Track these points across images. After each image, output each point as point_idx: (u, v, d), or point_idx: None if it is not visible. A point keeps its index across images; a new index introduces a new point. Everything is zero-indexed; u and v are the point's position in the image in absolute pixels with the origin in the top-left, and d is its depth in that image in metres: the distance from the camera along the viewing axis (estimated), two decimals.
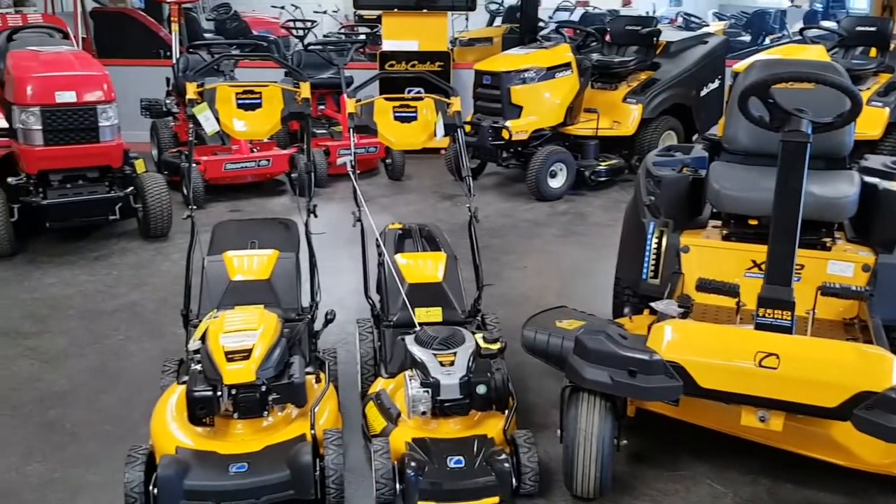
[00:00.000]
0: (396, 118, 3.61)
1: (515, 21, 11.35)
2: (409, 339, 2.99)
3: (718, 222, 3.45)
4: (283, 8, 14.20)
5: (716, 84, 7.73)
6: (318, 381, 3.11)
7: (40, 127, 5.09)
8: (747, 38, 14.14)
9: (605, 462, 2.68)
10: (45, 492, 2.87)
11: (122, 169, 5.49)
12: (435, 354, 2.87)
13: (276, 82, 3.65)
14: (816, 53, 5.32)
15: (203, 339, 2.90)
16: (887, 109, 6.39)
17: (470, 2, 8.63)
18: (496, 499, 2.65)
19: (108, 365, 3.84)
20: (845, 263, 3.12)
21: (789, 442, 2.85)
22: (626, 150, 7.26)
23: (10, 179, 5.25)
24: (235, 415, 2.75)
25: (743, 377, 2.56)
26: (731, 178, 3.27)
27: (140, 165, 5.67)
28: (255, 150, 6.82)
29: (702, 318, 3.08)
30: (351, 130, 3.60)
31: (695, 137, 7.51)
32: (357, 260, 3.60)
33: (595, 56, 7.45)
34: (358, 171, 3.54)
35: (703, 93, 7.61)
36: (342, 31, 13.88)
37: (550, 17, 13.81)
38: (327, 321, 3.38)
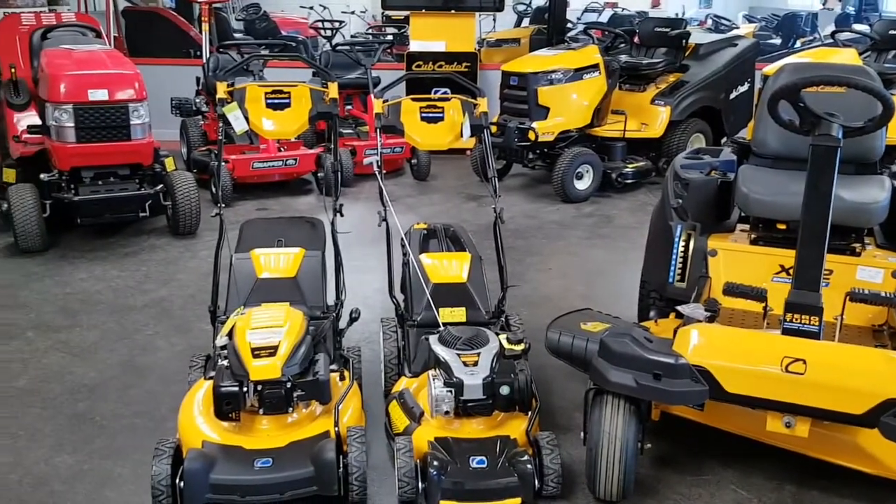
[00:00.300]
0: (423, 118, 3.63)
1: (543, 22, 11.32)
2: (433, 339, 3.00)
3: (746, 226, 3.42)
4: (311, 8, 14.32)
5: (745, 87, 7.66)
6: (342, 378, 3.13)
7: (73, 124, 5.16)
8: (778, 40, 13.99)
9: (628, 465, 2.67)
10: (73, 483, 2.92)
11: (152, 167, 5.56)
12: (458, 354, 2.88)
13: (304, 82, 3.68)
14: (848, 57, 5.25)
15: (230, 335, 2.93)
16: None
17: (498, 3, 8.63)
18: (518, 500, 2.65)
19: (136, 359, 3.89)
20: (875, 269, 3.08)
21: (815, 448, 2.82)
22: (654, 153, 7.22)
23: (42, 176, 5.33)
24: (261, 410, 2.79)
25: (769, 382, 2.54)
26: (760, 182, 3.24)
27: (170, 163, 5.75)
28: (282, 149, 6.88)
29: (728, 322, 3.06)
30: (378, 130, 3.62)
31: (723, 140, 7.45)
32: (382, 259, 3.62)
33: (623, 58, 7.42)
34: (384, 171, 3.56)
35: (732, 96, 7.55)
36: (370, 31, 13.95)
37: (578, 19, 13.78)
38: (352, 320, 3.40)
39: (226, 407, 2.74)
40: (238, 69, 6.19)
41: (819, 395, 2.49)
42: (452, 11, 8.39)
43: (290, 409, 2.81)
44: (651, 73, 7.35)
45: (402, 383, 3.20)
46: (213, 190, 6.35)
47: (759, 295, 2.91)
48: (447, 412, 2.83)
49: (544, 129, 6.65)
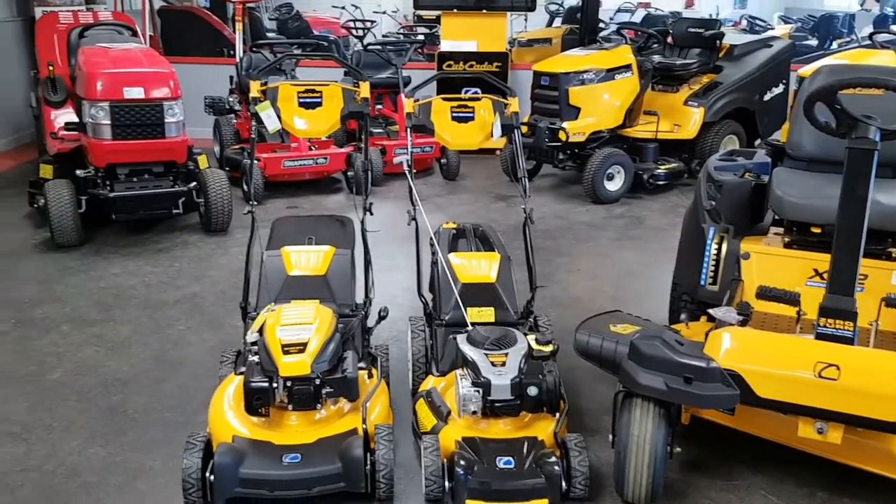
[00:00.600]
0: (454, 118, 3.63)
1: (575, 22, 11.27)
2: (461, 339, 3.00)
3: (780, 229, 3.38)
4: (343, 8, 14.38)
5: (780, 88, 7.56)
6: (370, 376, 3.15)
7: (109, 122, 5.23)
8: (814, 42, 13.77)
9: (657, 469, 2.65)
10: (105, 474, 2.97)
11: (185, 164, 5.63)
12: (486, 354, 2.87)
13: (335, 81, 3.70)
14: (886, 59, 5.15)
15: (260, 331, 2.96)
16: None
17: (530, 2, 8.60)
18: (545, 501, 2.64)
19: (168, 354, 3.95)
20: None
21: (848, 455, 2.78)
22: (686, 154, 7.15)
23: (78, 172, 5.41)
24: (290, 406, 2.81)
25: (802, 388, 2.51)
26: (795, 185, 3.20)
27: (203, 161, 5.81)
28: (313, 148, 6.93)
29: (761, 326, 3.02)
30: (408, 130, 3.63)
31: (757, 142, 7.36)
32: (411, 258, 3.63)
33: (656, 58, 7.36)
34: (414, 171, 3.57)
35: (766, 97, 7.45)
36: (401, 31, 13.99)
37: (611, 19, 13.69)
38: (380, 318, 3.42)
39: (255, 402, 2.77)
40: (271, 68, 6.24)
41: (853, 402, 2.45)
42: (484, 11, 8.38)
43: (319, 405, 2.84)
44: (684, 74, 7.28)
45: (430, 382, 3.20)
46: (245, 188, 6.42)
47: (792, 299, 2.87)
48: (474, 412, 2.83)
49: (575, 130, 6.62)
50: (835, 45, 13.08)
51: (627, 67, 6.83)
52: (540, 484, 2.64)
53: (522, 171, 3.64)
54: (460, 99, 3.66)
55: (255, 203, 3.50)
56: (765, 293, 2.93)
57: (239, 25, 7.97)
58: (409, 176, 3.53)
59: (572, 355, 3.38)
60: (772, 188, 3.23)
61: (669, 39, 7.74)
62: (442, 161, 7.56)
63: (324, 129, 3.66)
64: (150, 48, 6.27)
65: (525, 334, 3.02)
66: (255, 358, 2.87)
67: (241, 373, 2.93)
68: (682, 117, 7.06)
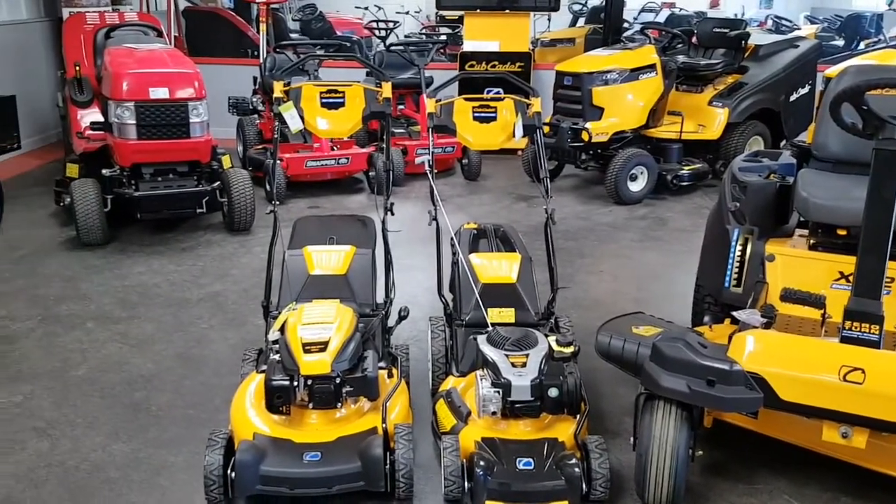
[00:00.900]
0: (476, 118, 3.63)
1: (599, 22, 11.22)
2: (482, 339, 2.99)
3: (805, 231, 3.34)
4: (366, 9, 14.43)
5: (806, 89, 7.47)
6: (390, 376, 3.15)
7: (134, 122, 5.28)
8: (841, 42, 13.61)
9: (678, 472, 2.63)
10: (128, 470, 3.00)
11: (209, 164, 5.67)
12: (507, 355, 2.86)
13: (358, 82, 3.71)
14: None
15: (282, 330, 2.98)
16: None
17: (553, 2, 8.58)
18: (565, 503, 2.62)
19: (191, 351, 3.98)
20: None
21: (872, 460, 2.74)
22: (711, 155, 7.10)
23: (104, 171, 5.46)
24: (310, 405, 2.82)
25: (826, 391, 2.48)
26: (821, 187, 3.16)
27: (227, 161, 5.86)
28: (335, 148, 6.95)
29: (785, 329, 2.99)
30: (430, 130, 3.63)
31: (782, 143, 7.29)
32: (431, 258, 3.63)
33: (681, 58, 7.31)
34: (435, 171, 3.57)
35: (792, 98, 7.37)
36: (423, 31, 14.00)
37: (635, 19, 13.62)
38: (401, 318, 3.42)
39: (276, 400, 2.79)
40: (294, 69, 6.28)
41: (878, 406, 2.42)
42: (507, 11, 8.37)
43: (339, 404, 2.84)
44: (709, 74, 7.22)
45: (450, 382, 3.20)
46: (268, 187, 6.46)
47: (817, 302, 2.84)
48: (494, 413, 2.82)
49: (598, 130, 6.59)
50: (862, 46, 12.92)
51: (651, 67, 6.79)
52: (560, 486, 2.62)
53: (544, 172, 3.63)
54: (482, 99, 3.65)
55: (278, 203, 3.52)
56: (789, 295, 2.89)
57: (263, 26, 8.03)
58: (430, 176, 3.54)
59: (593, 357, 3.36)
60: (797, 189, 3.20)
61: (694, 39, 7.69)
62: (463, 161, 7.56)
63: (346, 129, 3.68)
64: (175, 49, 6.33)
65: (546, 335, 3.01)
66: (277, 356, 2.89)
67: (263, 371, 2.95)
68: (706, 118, 7.01)
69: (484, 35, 8.42)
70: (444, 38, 10.61)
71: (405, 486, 2.71)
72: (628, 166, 6.58)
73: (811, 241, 3.24)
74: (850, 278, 2.77)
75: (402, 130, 7.59)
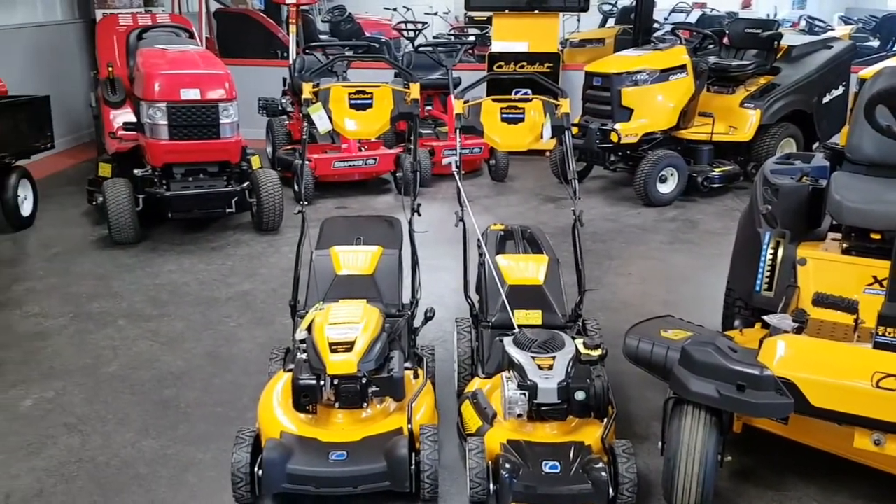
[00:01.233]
0: (504, 119, 3.62)
1: (629, 22, 11.14)
2: (508, 341, 2.98)
3: (838, 235, 3.29)
4: (395, 10, 14.47)
5: (840, 91, 7.36)
6: (415, 376, 3.15)
7: (166, 122, 5.34)
8: (876, 43, 13.36)
9: (707, 477, 2.60)
10: (157, 467, 3.04)
11: (239, 164, 5.72)
12: (533, 357, 2.85)
13: (386, 83, 3.72)
14: None
15: (309, 329, 2.99)
16: None
17: (583, 3, 8.54)
18: None
19: (220, 350, 4.02)
20: None
21: None
22: (742, 157, 7.04)
23: (136, 171, 5.54)
24: (337, 404, 2.84)
25: (858, 398, 2.44)
26: (854, 190, 3.11)
27: (256, 161, 5.91)
28: (362, 148, 6.98)
29: (817, 334, 2.94)
30: (457, 131, 3.62)
31: (815, 146, 7.18)
32: (458, 259, 3.63)
33: (712, 59, 7.24)
34: (462, 172, 3.57)
35: (825, 99, 7.27)
36: (452, 32, 14.01)
37: (665, 19, 13.50)
38: (427, 318, 3.42)
39: (303, 399, 2.80)
40: (323, 70, 6.31)
41: None
42: (536, 12, 8.35)
43: (365, 404, 2.85)
44: (741, 75, 7.15)
45: (476, 384, 3.20)
46: (296, 188, 6.50)
47: (850, 306, 2.79)
48: (520, 415, 2.81)
49: (627, 131, 6.55)
50: None
51: (682, 68, 6.73)
52: (586, 489, 2.61)
53: (573, 173, 3.61)
54: (510, 100, 3.64)
55: (306, 203, 3.54)
56: (822, 300, 2.85)
57: (293, 28, 8.09)
58: (457, 177, 3.53)
59: (621, 360, 3.34)
60: (830, 193, 3.15)
61: (726, 40, 7.61)
62: (490, 162, 7.55)
63: (373, 130, 3.69)
64: (206, 50, 6.40)
65: (573, 338, 2.99)
66: (304, 356, 2.91)
67: (290, 370, 2.97)
68: (737, 119, 6.94)
69: (512, 36, 8.41)
70: (472, 38, 10.58)
71: (430, 487, 2.71)
72: (658, 167, 6.52)
73: (844, 245, 3.19)
74: (884, 283, 2.71)
75: (429, 131, 7.60)
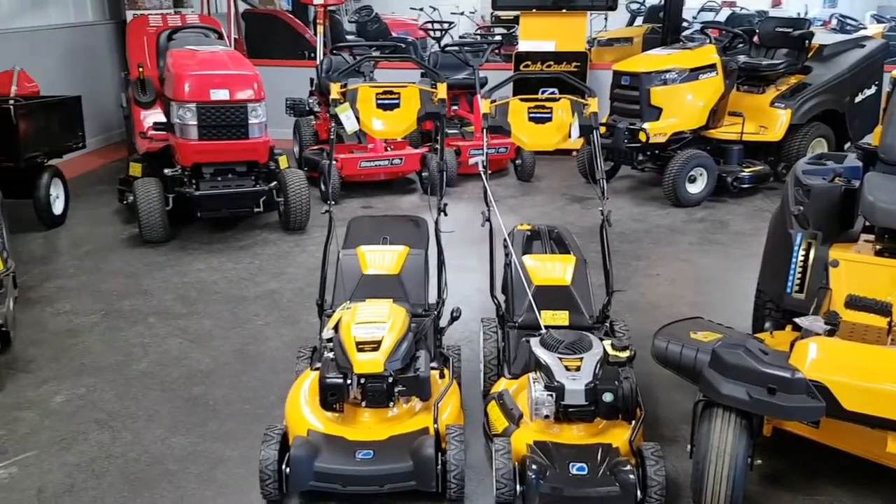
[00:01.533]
0: (531, 119, 3.61)
1: (657, 21, 11.06)
2: (535, 342, 2.97)
3: (871, 236, 3.24)
4: (421, 10, 14.49)
5: (872, 90, 7.25)
6: (441, 376, 3.15)
7: (196, 122, 5.39)
8: None
9: (736, 481, 2.57)
10: (186, 463, 3.07)
11: (267, 164, 5.75)
12: (560, 358, 2.84)
13: (413, 83, 3.72)
14: None
15: (336, 328, 3.01)
16: None
17: (610, 1, 8.50)
18: None
19: (248, 347, 4.05)
20: None
21: None
22: (772, 157, 6.95)
23: (166, 171, 5.59)
24: (363, 403, 2.84)
25: (892, 401, 2.40)
26: (887, 190, 3.06)
27: (283, 161, 5.94)
28: (388, 148, 6.99)
29: (849, 336, 2.89)
30: (484, 131, 3.62)
31: (847, 146, 7.08)
32: (484, 259, 3.62)
33: (742, 58, 7.16)
34: (489, 172, 3.56)
35: (857, 99, 7.16)
36: (478, 32, 14.00)
37: (694, 18, 13.38)
38: (453, 318, 3.41)
39: (330, 398, 2.81)
40: (350, 70, 6.33)
41: None
42: (563, 11, 8.31)
43: (391, 403, 2.86)
44: (771, 75, 7.06)
45: (502, 384, 3.19)
46: (323, 188, 6.54)
47: (883, 309, 2.75)
48: (547, 416, 2.79)
49: (656, 131, 6.50)
50: None
51: (712, 67, 6.67)
52: (614, 492, 2.59)
53: (601, 173, 3.58)
54: (538, 99, 3.63)
55: (333, 203, 3.56)
56: (854, 302, 2.81)
57: (320, 28, 8.12)
58: (484, 177, 3.53)
59: (649, 362, 3.31)
60: (863, 193, 3.10)
61: (756, 39, 7.52)
62: (517, 162, 7.53)
63: (400, 129, 3.69)
64: (235, 51, 6.44)
65: (601, 339, 2.98)
66: (331, 354, 2.92)
67: (317, 368, 2.98)
68: (768, 119, 6.86)
69: (539, 35, 8.37)
70: (498, 38, 10.57)
71: (456, 487, 2.71)
72: (687, 167, 6.47)
73: (877, 247, 3.14)
74: None
75: (455, 131, 7.59)
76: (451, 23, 11.19)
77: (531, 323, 3.29)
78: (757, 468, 2.70)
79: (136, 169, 5.95)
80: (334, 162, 6.49)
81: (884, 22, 14.70)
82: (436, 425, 2.81)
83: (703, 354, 2.95)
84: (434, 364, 3.16)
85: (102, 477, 2.98)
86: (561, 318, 3.33)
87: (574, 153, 7.69)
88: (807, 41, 7.12)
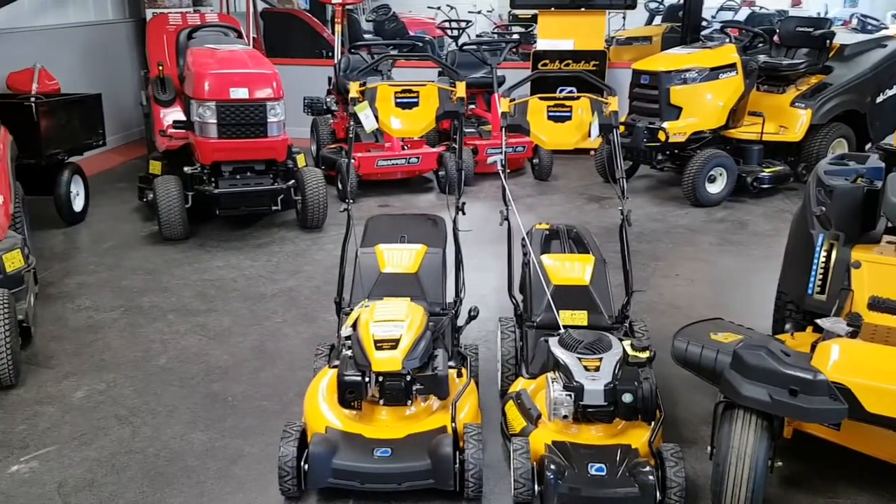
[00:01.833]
0: (550, 118, 3.60)
1: (676, 20, 10.99)
2: (553, 342, 2.96)
3: (894, 238, 3.20)
4: (438, 8, 14.48)
5: (894, 91, 7.17)
6: (459, 375, 3.15)
7: (215, 121, 5.40)
8: None
9: (757, 483, 2.55)
10: (205, 459, 3.08)
11: (285, 163, 5.76)
12: (579, 358, 2.83)
13: (432, 81, 3.72)
14: None
15: (354, 326, 3.01)
16: None
17: (629, 0, 8.45)
18: None
19: (266, 344, 4.06)
20: None
21: None
22: (793, 157, 6.90)
23: (186, 169, 5.62)
24: (381, 401, 2.85)
25: None
26: None
27: (301, 160, 5.96)
28: (405, 147, 6.99)
29: (871, 338, 2.86)
30: (503, 129, 3.61)
31: (868, 146, 7.01)
32: (501, 258, 3.61)
33: (762, 58, 7.11)
34: (507, 171, 3.55)
35: (879, 99, 7.08)
36: (496, 30, 13.97)
37: (713, 17, 13.29)
38: (470, 317, 3.41)
39: (348, 395, 2.82)
40: (368, 69, 6.33)
41: None
42: (581, 9, 8.28)
43: (409, 401, 2.86)
44: (791, 75, 7.00)
45: (520, 384, 3.18)
46: (340, 186, 6.55)
47: None
48: (565, 416, 2.78)
49: (676, 130, 6.47)
50: None
51: (732, 66, 6.62)
52: (633, 493, 2.58)
53: (621, 172, 3.57)
54: (557, 98, 3.62)
55: (351, 201, 3.56)
56: (877, 304, 2.78)
57: (338, 27, 8.13)
58: (502, 176, 3.52)
59: (669, 363, 3.29)
60: (886, 194, 3.06)
61: (776, 38, 7.46)
62: (534, 161, 7.50)
63: (419, 128, 3.70)
64: (254, 49, 6.46)
65: (620, 339, 2.96)
66: (349, 352, 2.92)
67: (335, 366, 2.99)
68: (788, 119, 6.81)
69: (558, 33, 8.35)
70: (516, 37, 10.54)
71: (474, 486, 2.71)
72: (707, 167, 6.43)
73: None
74: None
75: (472, 130, 7.58)
76: (468, 21, 11.16)
77: (549, 322, 3.28)
78: (777, 470, 2.68)
79: (155, 167, 5.99)
80: (352, 160, 6.49)
81: None
82: (453, 424, 2.81)
83: (723, 355, 2.93)
84: (452, 363, 3.16)
85: (122, 472, 3.00)
86: (580, 317, 3.32)
87: (592, 152, 7.66)
88: (828, 41, 7.05)
